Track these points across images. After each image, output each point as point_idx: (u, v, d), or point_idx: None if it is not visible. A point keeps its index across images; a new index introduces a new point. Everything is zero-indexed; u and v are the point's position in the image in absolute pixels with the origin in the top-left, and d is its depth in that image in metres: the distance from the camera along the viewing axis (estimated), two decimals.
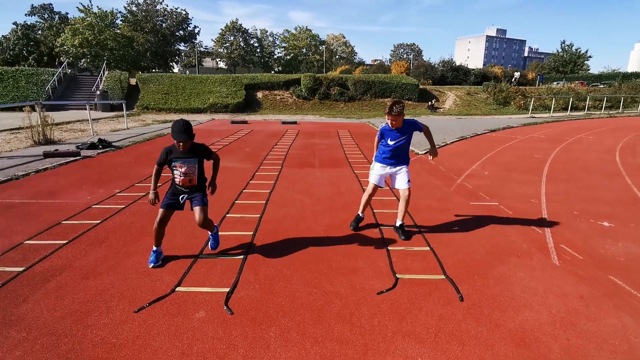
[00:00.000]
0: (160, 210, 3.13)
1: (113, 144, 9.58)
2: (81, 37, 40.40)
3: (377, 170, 3.94)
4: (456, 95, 28.80)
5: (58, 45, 42.17)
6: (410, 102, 26.97)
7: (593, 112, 24.36)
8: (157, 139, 11.05)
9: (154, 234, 3.17)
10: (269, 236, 3.89)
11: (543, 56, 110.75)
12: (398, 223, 3.95)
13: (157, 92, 24.36)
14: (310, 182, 6.25)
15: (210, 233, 3.48)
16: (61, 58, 38.89)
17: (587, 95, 26.07)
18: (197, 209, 3.15)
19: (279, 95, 26.62)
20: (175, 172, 3.10)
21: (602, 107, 25.94)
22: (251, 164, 7.65)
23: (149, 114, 21.22)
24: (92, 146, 8.95)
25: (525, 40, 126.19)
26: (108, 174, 6.61)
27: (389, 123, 3.65)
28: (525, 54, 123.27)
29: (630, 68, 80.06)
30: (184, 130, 2.92)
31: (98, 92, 22.00)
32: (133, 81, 26.48)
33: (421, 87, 29.34)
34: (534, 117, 20.27)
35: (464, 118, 20.45)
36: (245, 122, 16.99)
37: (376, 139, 3.97)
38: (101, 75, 26.03)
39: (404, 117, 3.66)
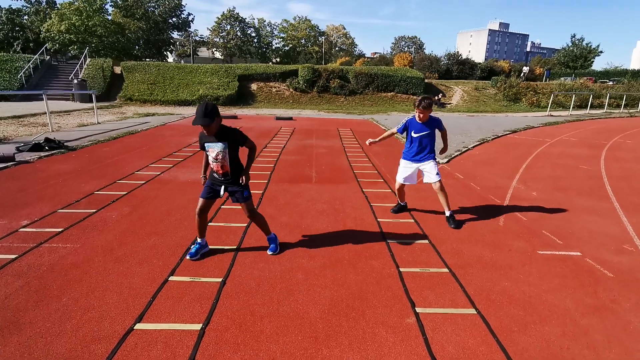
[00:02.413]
0: (200, 200, 3.03)
1: (66, 144, 7.86)
2: (68, 22, 38.12)
3: (402, 169, 4.13)
4: (463, 90, 27.05)
5: (44, 30, 39.84)
6: (415, 97, 25.20)
7: (612, 111, 22.74)
8: (124, 138, 9.30)
9: (195, 224, 3.08)
10: (224, 345, 2.24)
11: (545, 51, 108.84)
12: (447, 213, 4.06)
13: (143, 82, 22.41)
14: (304, 208, 4.58)
15: (267, 236, 3.29)
16: (47, 45, 36.59)
17: (607, 93, 24.35)
18: (242, 206, 3.08)
19: (275, 87, 24.73)
20: (209, 157, 2.95)
21: (618, 105, 24.32)
22: None
23: (132, 106, 19.36)
24: (36, 147, 7.22)
25: (528, 35, 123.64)
26: (32, 190, 4.91)
27: (417, 116, 3.85)
28: (528, 49, 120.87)
29: (633, 65, 78.12)
30: (203, 114, 2.70)
31: (76, 81, 20.05)
32: (118, 70, 24.48)
33: (426, 81, 27.56)
34: (552, 115, 18.60)
35: (476, 115, 18.77)
36: (235, 117, 15.24)
37: (394, 130, 4.05)
38: (81, 63, 23.98)
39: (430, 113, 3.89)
